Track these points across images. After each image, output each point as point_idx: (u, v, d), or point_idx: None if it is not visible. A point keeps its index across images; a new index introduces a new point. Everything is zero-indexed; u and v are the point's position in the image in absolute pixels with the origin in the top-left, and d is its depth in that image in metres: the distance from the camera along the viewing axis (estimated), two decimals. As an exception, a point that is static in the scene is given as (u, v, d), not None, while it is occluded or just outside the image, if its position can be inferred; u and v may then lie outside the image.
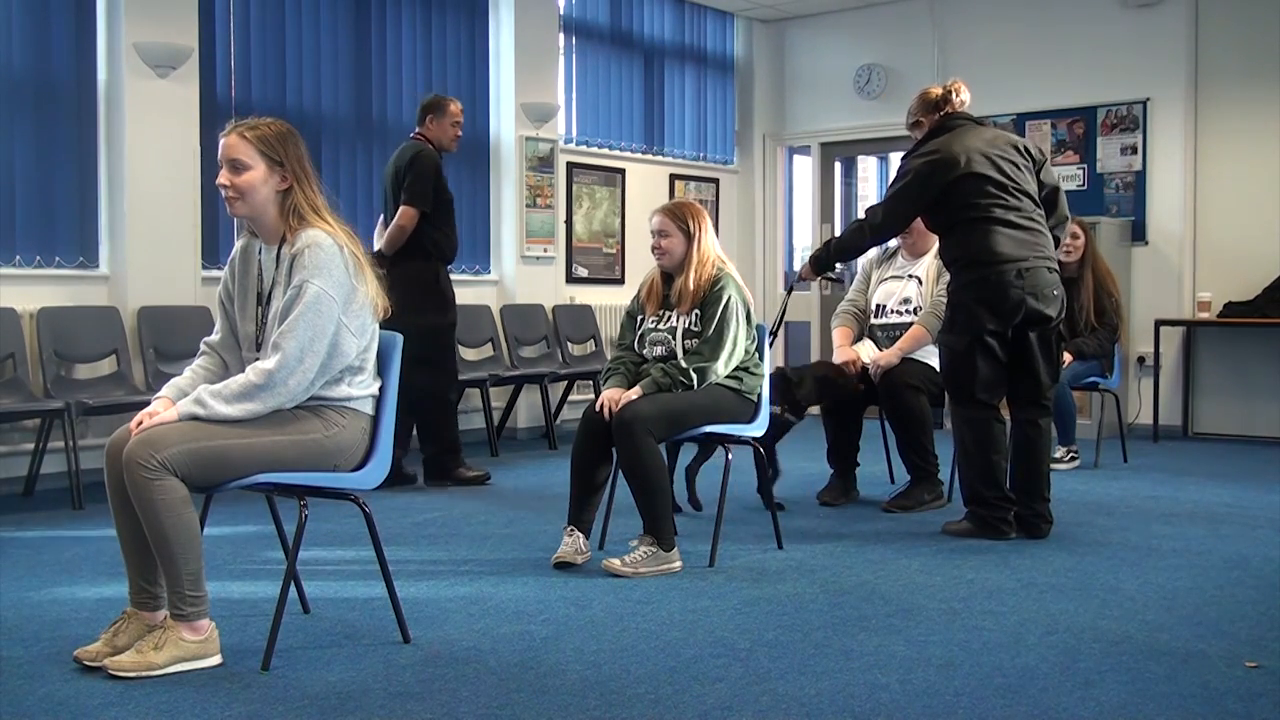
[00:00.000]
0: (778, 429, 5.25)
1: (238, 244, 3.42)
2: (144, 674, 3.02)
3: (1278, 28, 8.13)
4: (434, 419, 6.17)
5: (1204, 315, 8.22)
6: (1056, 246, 4.99)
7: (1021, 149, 4.92)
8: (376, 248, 6.14)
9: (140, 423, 3.08)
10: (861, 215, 5.11)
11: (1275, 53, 8.13)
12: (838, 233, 5.91)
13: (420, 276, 6.05)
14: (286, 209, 3.24)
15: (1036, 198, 4.88)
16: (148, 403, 3.23)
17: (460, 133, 6.34)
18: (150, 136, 6.32)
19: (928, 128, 4.97)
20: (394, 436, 3.41)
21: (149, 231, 6.32)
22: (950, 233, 4.89)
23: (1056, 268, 4.90)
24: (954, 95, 4.97)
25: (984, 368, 4.81)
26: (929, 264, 5.64)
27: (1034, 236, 4.82)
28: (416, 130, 6.27)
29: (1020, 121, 9.16)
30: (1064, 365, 6.65)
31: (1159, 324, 8.28)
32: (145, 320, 6.23)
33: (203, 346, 3.41)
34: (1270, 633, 3.51)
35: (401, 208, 6.02)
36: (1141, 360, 8.54)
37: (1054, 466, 6.77)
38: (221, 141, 3.26)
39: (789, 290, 6.14)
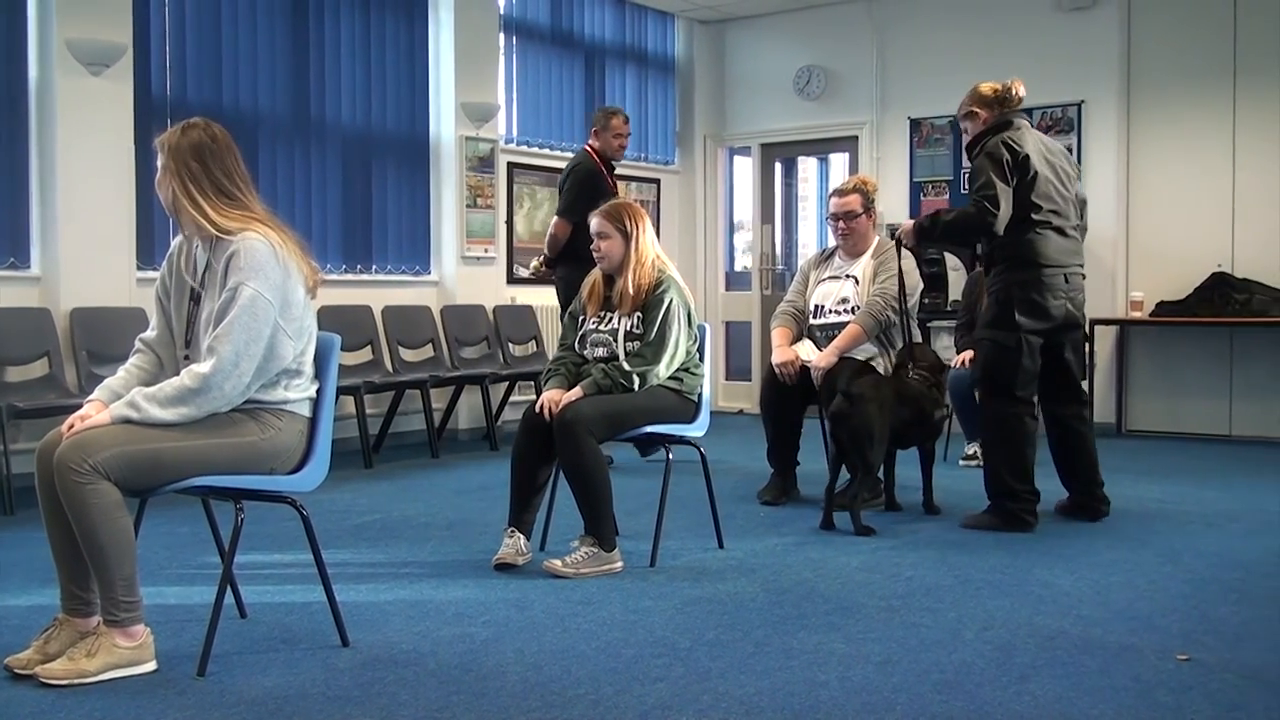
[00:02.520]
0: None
1: (176, 239, 3.39)
2: (76, 681, 2.97)
3: (1207, 31, 8.28)
4: None
5: (1136, 314, 8.36)
6: None
7: (1071, 160, 5.13)
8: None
9: (72, 426, 3.04)
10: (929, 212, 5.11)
11: (1205, 56, 8.28)
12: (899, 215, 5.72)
13: (576, 280, 6.60)
14: (179, 207, 3.20)
15: (1077, 208, 5.08)
16: (80, 405, 3.19)
17: (624, 143, 6.96)
18: (83, 135, 6.23)
19: (983, 121, 5.06)
20: None
21: (82, 232, 6.23)
22: (1004, 230, 4.92)
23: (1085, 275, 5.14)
24: (1013, 92, 5.06)
25: (1028, 364, 4.95)
26: (866, 264, 5.69)
27: (1076, 245, 5.05)
28: (587, 141, 6.95)
29: (957, 123, 9.22)
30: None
31: (1093, 323, 8.39)
32: (78, 322, 6.13)
33: (137, 344, 3.37)
34: (1200, 626, 3.58)
35: (554, 218, 6.83)
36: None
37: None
38: None
39: (897, 243, 5.93)
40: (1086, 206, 5.24)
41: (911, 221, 5.22)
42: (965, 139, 5.21)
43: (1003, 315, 4.95)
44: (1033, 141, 4.98)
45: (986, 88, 5.10)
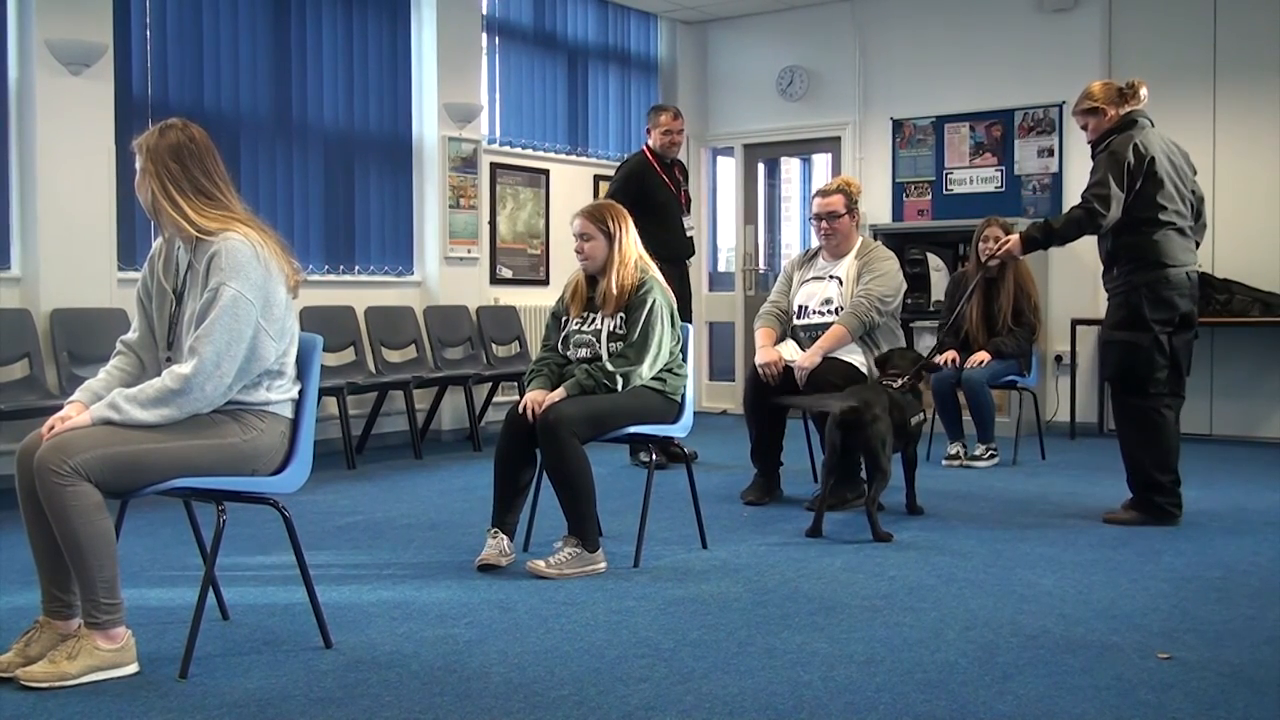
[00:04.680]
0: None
1: (158, 240, 3.38)
2: (57, 684, 2.96)
3: (1188, 33, 8.32)
4: None
5: (1118, 314, 8.37)
6: None
7: (1189, 161, 5.18)
8: None
9: (52, 427, 3.02)
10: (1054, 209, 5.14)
11: (1185, 58, 8.31)
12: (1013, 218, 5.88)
13: None
14: (158, 207, 3.19)
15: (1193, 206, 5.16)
16: (61, 407, 3.17)
17: (674, 140, 7.01)
18: (63, 135, 6.19)
19: (1109, 119, 5.10)
20: None
21: (62, 232, 6.20)
22: (1126, 231, 5.01)
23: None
24: (1139, 91, 5.13)
25: (1161, 360, 5.04)
26: (849, 265, 5.70)
27: (1191, 243, 5.13)
28: (645, 141, 7.10)
29: (939, 124, 9.28)
30: (981, 364, 6.79)
31: (1075, 323, 8.43)
32: (59, 323, 6.10)
33: (119, 345, 3.36)
34: (1182, 625, 3.59)
35: None
36: (1059, 359, 8.69)
37: (973, 464, 6.92)
38: None
39: (981, 274, 6.17)
40: (1204, 203, 5.29)
41: (1015, 238, 5.26)
42: (1088, 135, 5.23)
43: (1132, 316, 5.05)
44: (1158, 141, 5.04)
45: (1107, 85, 5.17)
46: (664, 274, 6.52)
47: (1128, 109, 5.11)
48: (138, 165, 3.23)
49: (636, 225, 6.65)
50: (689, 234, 7.11)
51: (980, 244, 6.78)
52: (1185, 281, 5.07)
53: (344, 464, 6.81)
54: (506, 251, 8.94)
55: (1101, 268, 5.28)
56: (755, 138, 10.34)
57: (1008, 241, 5.31)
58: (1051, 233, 5.15)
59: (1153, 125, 5.13)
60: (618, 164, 7.13)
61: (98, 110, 6.34)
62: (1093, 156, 5.18)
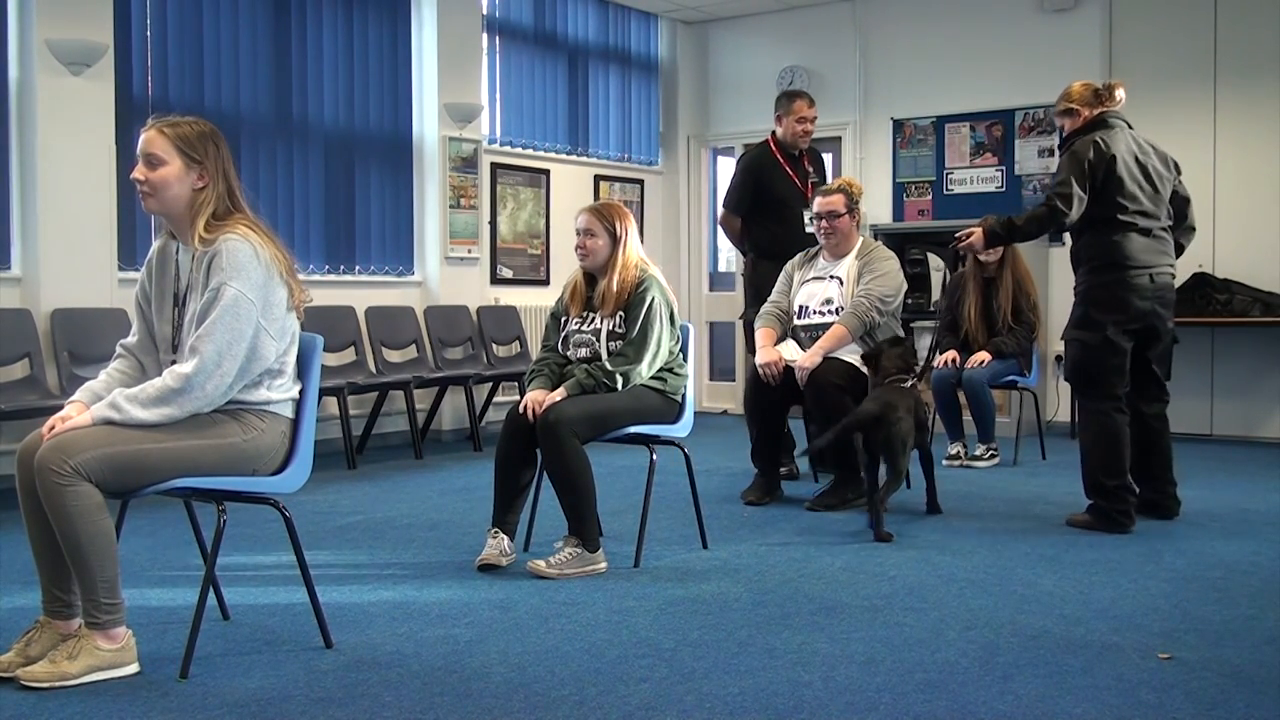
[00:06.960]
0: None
1: (155, 244, 3.37)
2: (58, 684, 2.96)
3: (1188, 34, 8.32)
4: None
5: (1119, 314, 8.37)
6: (1179, 254, 5.20)
7: (1168, 162, 5.15)
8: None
9: (53, 427, 3.02)
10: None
11: (1186, 58, 8.32)
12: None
13: (749, 271, 6.63)
14: (202, 207, 3.19)
15: (1169, 210, 5.11)
16: (61, 407, 3.17)
17: (807, 129, 6.47)
18: (64, 135, 6.20)
19: (1083, 119, 5.10)
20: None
21: (63, 232, 6.20)
22: (1086, 231, 5.03)
23: (1175, 275, 5.16)
24: (1115, 92, 5.12)
25: (1114, 362, 5.00)
26: (849, 265, 5.70)
27: (1163, 245, 5.08)
28: (773, 130, 6.57)
29: (940, 124, 9.29)
30: (982, 364, 6.79)
31: (1075, 323, 8.42)
32: (59, 323, 6.10)
33: (118, 349, 3.36)
34: (1182, 625, 3.59)
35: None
36: (1059, 359, 8.66)
37: (973, 464, 6.92)
38: (141, 136, 3.22)
39: (962, 258, 6.16)
40: (1190, 204, 5.25)
41: (978, 232, 5.24)
42: (1060, 135, 5.25)
43: (1085, 316, 5.04)
44: (1124, 142, 5.01)
45: (1085, 86, 5.16)
46: (758, 272, 6.34)
47: (1101, 110, 5.09)
48: (173, 154, 3.17)
49: (753, 221, 6.47)
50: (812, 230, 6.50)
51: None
52: (1147, 284, 4.98)
53: (344, 464, 6.81)
54: (507, 251, 8.95)
55: None
56: (756, 138, 10.19)
57: (972, 234, 5.28)
58: (1014, 229, 5.12)
59: (1129, 126, 5.09)
60: (738, 159, 6.75)
61: (98, 110, 6.35)
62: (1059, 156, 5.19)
